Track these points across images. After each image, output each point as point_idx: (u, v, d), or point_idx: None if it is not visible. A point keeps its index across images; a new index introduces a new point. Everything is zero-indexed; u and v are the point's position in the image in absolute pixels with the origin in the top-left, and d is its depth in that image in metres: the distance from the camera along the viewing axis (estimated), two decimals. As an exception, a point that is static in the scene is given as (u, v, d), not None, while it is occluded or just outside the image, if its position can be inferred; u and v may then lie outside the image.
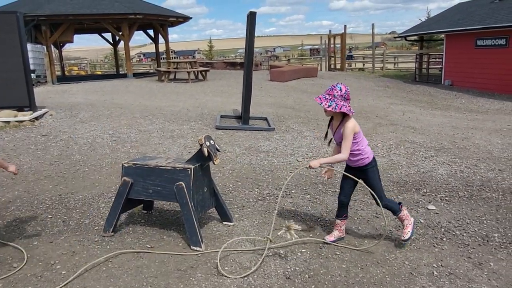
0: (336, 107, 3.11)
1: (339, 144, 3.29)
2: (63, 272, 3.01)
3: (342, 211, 3.48)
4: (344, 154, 3.17)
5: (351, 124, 3.15)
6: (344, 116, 3.19)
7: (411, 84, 17.19)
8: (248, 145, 6.77)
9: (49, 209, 4.20)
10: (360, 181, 3.29)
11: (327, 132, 3.49)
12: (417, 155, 6.23)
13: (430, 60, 19.30)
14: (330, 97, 3.14)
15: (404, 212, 3.39)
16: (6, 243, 3.44)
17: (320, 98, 3.19)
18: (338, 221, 3.49)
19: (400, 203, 3.41)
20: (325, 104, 3.14)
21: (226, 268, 3.06)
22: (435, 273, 3.01)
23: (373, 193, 3.27)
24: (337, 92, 3.13)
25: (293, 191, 4.71)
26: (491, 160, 5.95)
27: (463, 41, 15.46)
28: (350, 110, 3.14)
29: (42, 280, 2.91)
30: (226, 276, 2.93)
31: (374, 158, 3.32)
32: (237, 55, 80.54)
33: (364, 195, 4.53)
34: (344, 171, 3.39)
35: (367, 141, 3.36)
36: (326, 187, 4.84)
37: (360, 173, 3.31)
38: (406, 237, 3.35)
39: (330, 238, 3.48)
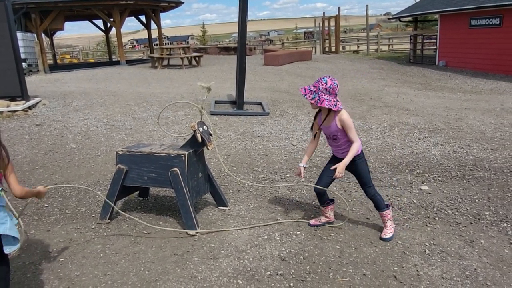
0: (318, 101, 3.00)
1: (331, 138, 3.18)
2: (61, 260, 3.05)
3: (322, 198, 3.43)
4: (357, 143, 3.07)
5: (346, 115, 3.05)
6: (330, 110, 3.07)
7: (406, 65, 17.16)
8: (243, 130, 6.78)
9: (45, 198, 4.22)
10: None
11: (313, 125, 3.35)
12: (411, 136, 6.27)
13: (424, 41, 19.23)
14: (315, 89, 3.02)
15: (390, 212, 3.30)
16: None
17: (305, 89, 3.07)
18: (322, 208, 3.47)
19: (389, 204, 3.35)
20: (309, 96, 3.03)
21: (222, 251, 3.11)
22: (427, 251, 3.07)
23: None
24: (322, 85, 3.00)
25: (287, 175, 4.75)
26: (484, 140, 6.00)
27: (457, 21, 15.38)
28: (335, 105, 3.00)
29: (41, 268, 2.95)
30: (223, 257, 2.98)
31: (362, 150, 3.25)
32: (231, 40, 79.79)
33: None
34: (330, 162, 3.33)
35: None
36: (320, 171, 4.87)
37: (349, 165, 3.19)
38: (387, 236, 3.24)
39: (315, 222, 3.49)
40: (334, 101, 3.02)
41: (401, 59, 19.50)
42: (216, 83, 11.66)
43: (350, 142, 3.12)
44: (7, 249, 2.24)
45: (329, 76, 3.06)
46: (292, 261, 2.97)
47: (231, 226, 3.51)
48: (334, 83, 3.02)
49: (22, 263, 3.02)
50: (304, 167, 3.39)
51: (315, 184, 3.37)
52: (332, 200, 3.49)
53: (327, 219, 3.50)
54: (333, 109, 3.02)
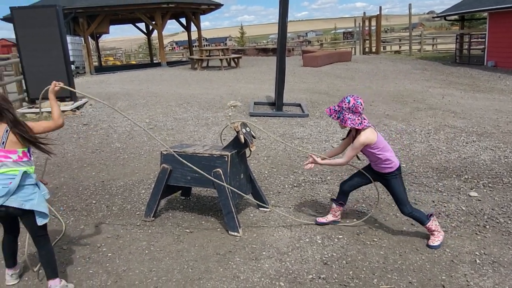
0: (343, 120, 3.02)
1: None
2: (109, 255, 3.16)
3: (340, 197, 3.45)
4: (343, 160, 3.17)
5: (362, 138, 3.01)
6: (358, 128, 3.04)
7: (451, 66, 16.50)
8: (282, 131, 6.77)
9: (93, 195, 4.40)
10: (377, 184, 3.30)
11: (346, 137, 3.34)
12: (457, 140, 6.02)
13: (471, 40, 18.40)
14: (339, 109, 3.05)
15: (434, 222, 3.14)
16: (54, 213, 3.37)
17: (330, 109, 3.12)
18: (333, 205, 3.48)
19: (430, 214, 3.18)
20: (334, 116, 3.07)
21: (264, 253, 3.11)
22: (478, 261, 2.93)
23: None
24: (345, 104, 3.01)
25: (328, 177, 4.69)
26: (539, 144, 5.66)
27: (508, 19, 14.60)
28: (360, 123, 2.99)
29: (90, 262, 3.08)
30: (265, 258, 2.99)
31: (399, 167, 3.15)
32: (268, 41, 79.95)
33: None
34: (365, 167, 3.33)
35: (392, 150, 3.17)
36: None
37: (381, 179, 3.22)
38: (435, 244, 3.10)
39: (321, 220, 3.52)
40: (358, 119, 3.02)
41: (446, 59, 18.77)
42: (255, 85, 11.74)
43: (382, 159, 3.09)
44: (39, 221, 2.53)
45: (353, 95, 3.07)
46: (335, 265, 2.93)
47: (272, 227, 3.51)
48: (357, 102, 3.01)
49: (73, 256, 3.16)
50: (318, 156, 3.40)
51: (343, 182, 3.46)
52: (344, 203, 3.51)
53: (334, 218, 3.52)
54: (357, 128, 3.02)
